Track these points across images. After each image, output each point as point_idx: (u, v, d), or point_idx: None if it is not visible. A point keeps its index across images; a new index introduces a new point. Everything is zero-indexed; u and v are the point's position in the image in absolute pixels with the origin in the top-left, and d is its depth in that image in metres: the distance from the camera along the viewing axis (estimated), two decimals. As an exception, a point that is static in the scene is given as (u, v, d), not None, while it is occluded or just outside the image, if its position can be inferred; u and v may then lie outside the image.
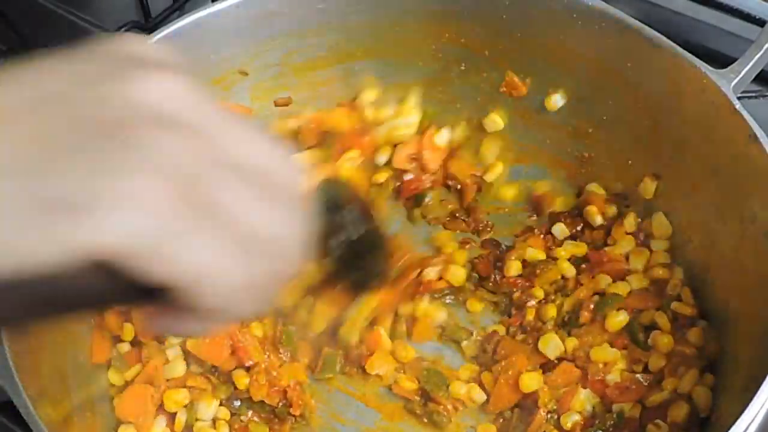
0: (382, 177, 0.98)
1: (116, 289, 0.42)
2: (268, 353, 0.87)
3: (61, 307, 0.45)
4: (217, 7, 0.89)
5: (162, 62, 0.45)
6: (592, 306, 0.87)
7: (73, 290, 0.42)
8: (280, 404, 0.87)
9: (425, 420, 0.87)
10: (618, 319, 0.86)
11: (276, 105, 0.98)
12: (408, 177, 0.99)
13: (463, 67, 0.97)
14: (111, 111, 0.41)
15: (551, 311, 0.89)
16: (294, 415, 0.87)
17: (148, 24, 1.07)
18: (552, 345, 0.86)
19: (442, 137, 0.99)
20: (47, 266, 0.39)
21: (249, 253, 0.43)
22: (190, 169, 0.41)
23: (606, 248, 0.92)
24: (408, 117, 0.99)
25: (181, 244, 0.41)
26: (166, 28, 0.87)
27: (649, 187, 0.91)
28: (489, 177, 0.99)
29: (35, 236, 0.39)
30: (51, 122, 0.40)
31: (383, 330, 0.89)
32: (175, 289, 0.42)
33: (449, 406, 0.87)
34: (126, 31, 1.01)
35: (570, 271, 0.91)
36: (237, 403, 0.87)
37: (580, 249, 0.92)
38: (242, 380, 0.86)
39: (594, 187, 0.95)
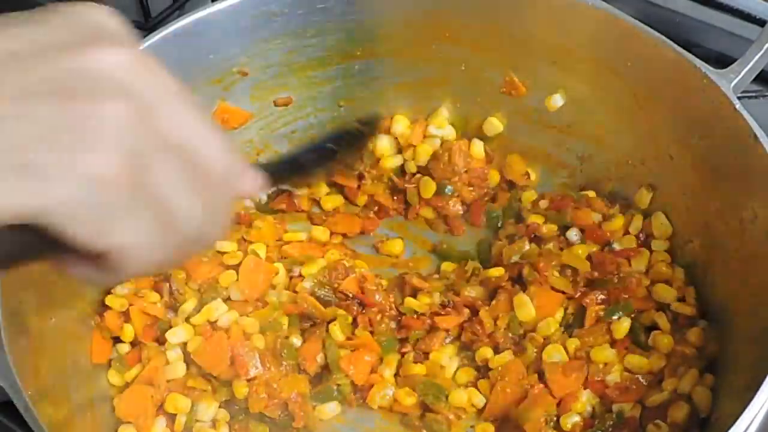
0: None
1: (40, 245, 0.45)
2: (269, 365, 0.86)
3: None
4: (217, 7, 0.89)
5: (116, 33, 0.47)
6: (596, 311, 0.87)
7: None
8: (281, 416, 0.86)
9: (424, 431, 0.87)
10: (623, 326, 0.85)
11: (276, 105, 0.98)
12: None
13: (463, 68, 0.97)
14: (65, 79, 0.43)
15: (553, 325, 0.88)
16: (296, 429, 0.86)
17: (148, 24, 1.07)
18: (555, 355, 0.86)
19: (478, 147, 0.99)
20: None
21: (171, 233, 0.47)
22: (134, 147, 0.44)
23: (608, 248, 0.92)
24: (442, 129, 1.00)
25: (113, 219, 0.44)
26: (166, 28, 0.87)
27: (644, 198, 0.92)
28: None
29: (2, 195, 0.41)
30: (7, 84, 0.42)
31: (388, 371, 0.88)
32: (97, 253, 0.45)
33: (451, 416, 0.86)
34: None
35: (585, 266, 0.90)
36: (236, 407, 0.86)
37: (591, 248, 0.92)
38: (241, 390, 0.85)
39: (592, 193, 0.95)
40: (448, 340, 0.90)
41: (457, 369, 0.89)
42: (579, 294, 0.88)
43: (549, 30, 0.91)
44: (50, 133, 0.42)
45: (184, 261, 0.50)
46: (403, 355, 0.89)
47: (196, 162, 0.47)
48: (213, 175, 0.48)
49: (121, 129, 0.43)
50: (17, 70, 0.43)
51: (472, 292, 0.91)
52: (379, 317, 0.89)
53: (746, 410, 0.66)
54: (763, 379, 0.67)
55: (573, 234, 0.93)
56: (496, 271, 0.91)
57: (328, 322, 0.88)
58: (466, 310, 0.90)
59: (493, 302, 0.89)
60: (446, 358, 0.88)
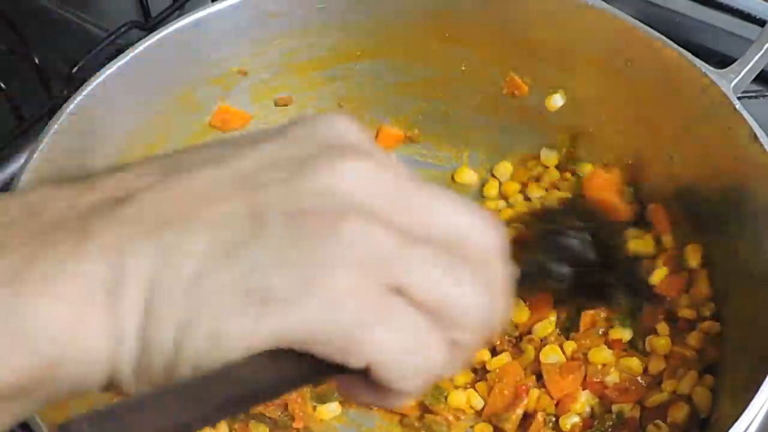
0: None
1: (302, 371, 0.43)
2: None
3: (247, 400, 0.45)
4: (217, 7, 0.89)
5: (356, 146, 0.45)
6: (591, 315, 0.86)
7: (260, 379, 0.43)
8: (281, 416, 0.86)
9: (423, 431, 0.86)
10: (623, 334, 0.85)
11: (276, 105, 0.98)
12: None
13: (463, 68, 0.97)
14: (303, 200, 0.42)
15: (549, 327, 0.88)
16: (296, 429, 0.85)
17: (148, 24, 1.07)
18: (552, 356, 0.85)
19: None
20: (248, 352, 0.41)
21: (438, 330, 0.44)
22: (383, 258, 0.42)
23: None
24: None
25: (362, 332, 0.42)
26: (165, 28, 0.87)
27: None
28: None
29: (249, 324, 0.41)
30: (243, 208, 0.42)
31: None
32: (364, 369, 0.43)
33: (450, 417, 0.85)
34: (126, 30, 1.01)
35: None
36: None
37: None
38: (241, 389, 0.85)
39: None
40: None
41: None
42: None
43: (549, 30, 0.91)
44: (285, 253, 0.41)
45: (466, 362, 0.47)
46: None
47: (451, 248, 0.44)
48: (475, 257, 0.45)
49: (364, 244, 0.42)
50: (257, 192, 0.42)
51: None
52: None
53: (746, 410, 0.66)
54: (763, 380, 0.67)
55: None
56: None
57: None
58: None
59: None
60: None
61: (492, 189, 0.98)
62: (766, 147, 0.77)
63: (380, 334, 0.42)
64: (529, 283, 0.60)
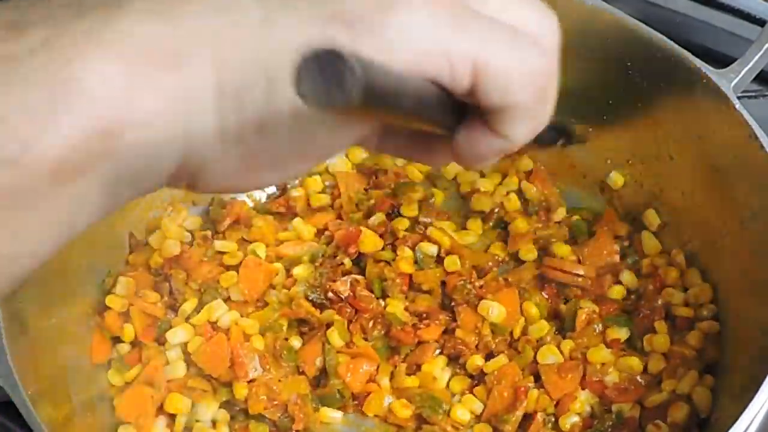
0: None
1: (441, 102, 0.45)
2: (268, 367, 0.86)
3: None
4: (217, 7, 0.89)
5: None
6: (586, 313, 0.86)
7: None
8: (281, 417, 0.85)
9: None
10: (620, 334, 0.86)
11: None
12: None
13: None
14: None
15: (545, 327, 0.88)
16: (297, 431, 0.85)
17: (148, 24, 1.06)
18: (550, 357, 0.85)
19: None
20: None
21: (527, 46, 0.45)
22: None
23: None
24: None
25: (470, 38, 0.42)
26: (166, 28, 0.87)
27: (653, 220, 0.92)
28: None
29: (345, 39, 0.40)
30: None
31: (385, 380, 0.87)
32: (484, 90, 0.44)
33: (448, 428, 0.84)
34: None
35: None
36: (236, 408, 0.86)
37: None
38: (241, 391, 0.84)
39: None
40: (437, 352, 0.88)
41: (450, 378, 0.87)
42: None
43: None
44: None
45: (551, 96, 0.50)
46: (395, 366, 0.87)
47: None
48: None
49: None
50: None
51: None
52: (371, 324, 0.88)
53: (746, 410, 0.66)
54: (763, 380, 0.67)
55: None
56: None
57: (327, 326, 0.88)
58: (442, 316, 0.89)
59: (460, 318, 0.88)
60: (438, 369, 0.87)
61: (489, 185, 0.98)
62: (766, 147, 0.77)
63: (478, 34, 0.43)
64: None
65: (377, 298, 0.89)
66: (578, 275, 0.89)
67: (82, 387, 0.84)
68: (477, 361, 0.87)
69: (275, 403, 0.85)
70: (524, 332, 0.88)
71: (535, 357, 0.86)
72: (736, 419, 0.66)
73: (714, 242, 0.86)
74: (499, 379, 0.85)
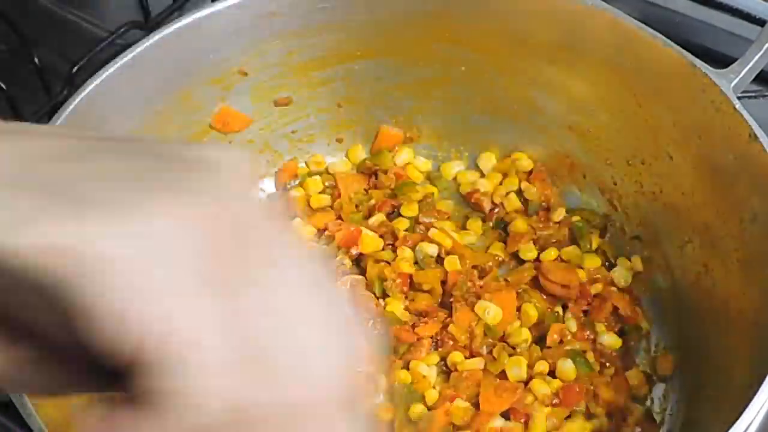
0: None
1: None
2: None
3: None
4: (217, 7, 0.89)
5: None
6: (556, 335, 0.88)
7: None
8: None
9: None
10: (566, 368, 0.86)
11: (276, 105, 0.98)
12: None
13: (463, 68, 0.97)
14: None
15: (524, 334, 0.88)
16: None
17: (148, 24, 1.07)
18: (515, 369, 0.85)
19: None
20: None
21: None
22: (233, 224, 0.32)
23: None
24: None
25: (182, 300, 0.31)
26: (166, 28, 0.87)
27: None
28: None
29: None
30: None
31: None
32: (147, 359, 0.30)
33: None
34: (126, 30, 1.01)
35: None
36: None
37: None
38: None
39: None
40: (432, 349, 0.88)
41: (437, 376, 0.88)
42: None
43: (549, 30, 0.91)
44: (140, 182, 0.33)
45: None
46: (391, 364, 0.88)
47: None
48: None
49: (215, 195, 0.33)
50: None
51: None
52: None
53: (746, 410, 0.66)
54: (763, 379, 0.67)
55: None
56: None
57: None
58: (441, 314, 0.89)
59: (455, 315, 0.88)
60: (425, 366, 0.87)
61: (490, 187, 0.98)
62: (766, 147, 0.77)
63: (186, 306, 0.31)
64: None
65: (377, 298, 0.89)
66: (565, 286, 0.90)
67: (82, 387, 0.84)
68: (456, 357, 0.87)
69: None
70: (502, 338, 0.88)
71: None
72: (737, 419, 0.66)
73: (714, 242, 0.86)
74: (462, 380, 0.85)
